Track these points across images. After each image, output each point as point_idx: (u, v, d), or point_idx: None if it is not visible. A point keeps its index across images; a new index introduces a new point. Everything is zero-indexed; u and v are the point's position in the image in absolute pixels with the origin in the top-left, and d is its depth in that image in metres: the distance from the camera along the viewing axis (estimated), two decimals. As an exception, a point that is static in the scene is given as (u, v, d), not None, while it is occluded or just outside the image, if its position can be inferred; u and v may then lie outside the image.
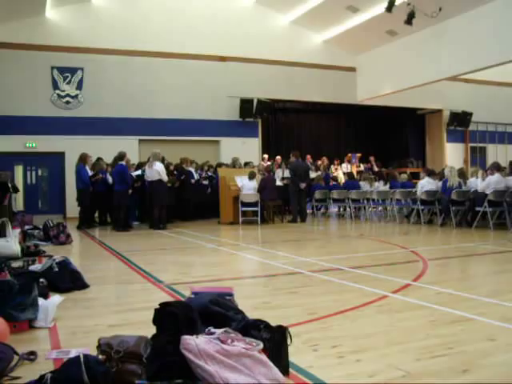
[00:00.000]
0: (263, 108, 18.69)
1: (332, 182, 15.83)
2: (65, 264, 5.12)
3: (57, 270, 4.98)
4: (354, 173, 16.98)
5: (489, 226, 10.34)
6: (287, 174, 14.69)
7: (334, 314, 3.87)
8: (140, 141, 17.17)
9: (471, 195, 10.93)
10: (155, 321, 2.67)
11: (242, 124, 18.66)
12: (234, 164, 15.62)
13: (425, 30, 16.65)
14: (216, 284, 4.99)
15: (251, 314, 3.30)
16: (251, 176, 12.94)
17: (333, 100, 19.97)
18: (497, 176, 10.37)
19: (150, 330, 2.72)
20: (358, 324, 3.66)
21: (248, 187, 12.74)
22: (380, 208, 14.82)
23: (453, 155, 22.02)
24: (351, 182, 15.12)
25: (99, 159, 13.50)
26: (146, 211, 13.07)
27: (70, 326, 3.66)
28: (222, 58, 18.34)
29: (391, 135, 22.40)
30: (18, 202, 15.30)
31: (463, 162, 21.91)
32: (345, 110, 21.29)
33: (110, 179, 12.61)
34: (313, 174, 15.71)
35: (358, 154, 19.29)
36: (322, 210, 16.17)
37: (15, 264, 5.77)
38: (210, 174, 15.37)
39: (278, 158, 17.39)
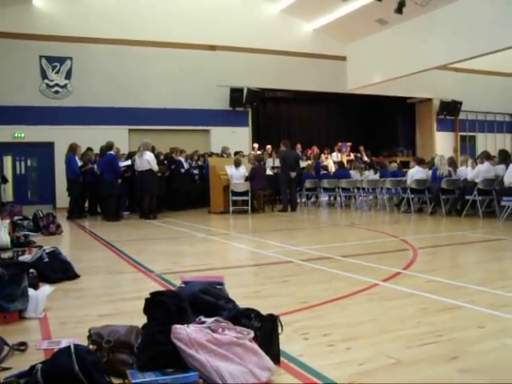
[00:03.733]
0: (253, 97, 18.61)
1: (322, 171, 15.83)
2: (55, 254, 5.11)
3: (47, 260, 4.97)
4: (345, 162, 16.99)
5: (478, 214, 10.40)
6: (277, 163, 14.67)
7: (325, 303, 3.89)
8: (130, 130, 17.04)
9: (461, 184, 10.99)
10: (146, 310, 2.67)
11: (232, 113, 18.58)
12: (223, 153, 15.60)
13: (415, 18, 16.59)
14: (206, 273, 4.98)
15: (242, 303, 3.31)
16: (237, 164, 12.92)
17: (323, 89, 19.88)
18: (486, 165, 10.42)
19: (141, 320, 2.71)
20: (349, 312, 3.68)
21: (237, 176, 12.72)
22: (370, 197, 14.84)
23: (443, 144, 22.10)
24: (341, 171, 15.13)
25: (88, 149, 13.43)
26: (136, 201, 13.05)
27: (61, 317, 3.66)
28: (212, 47, 18.22)
29: (381, 124, 22.38)
30: (8, 192, 15.22)
31: (453, 150, 21.97)
32: (335, 99, 21.23)
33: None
34: (303, 163, 15.70)
35: (349, 143, 19.30)
36: (313, 199, 16.19)
37: (5, 255, 5.74)
38: (199, 163, 15.34)
39: (269, 147, 17.39)
